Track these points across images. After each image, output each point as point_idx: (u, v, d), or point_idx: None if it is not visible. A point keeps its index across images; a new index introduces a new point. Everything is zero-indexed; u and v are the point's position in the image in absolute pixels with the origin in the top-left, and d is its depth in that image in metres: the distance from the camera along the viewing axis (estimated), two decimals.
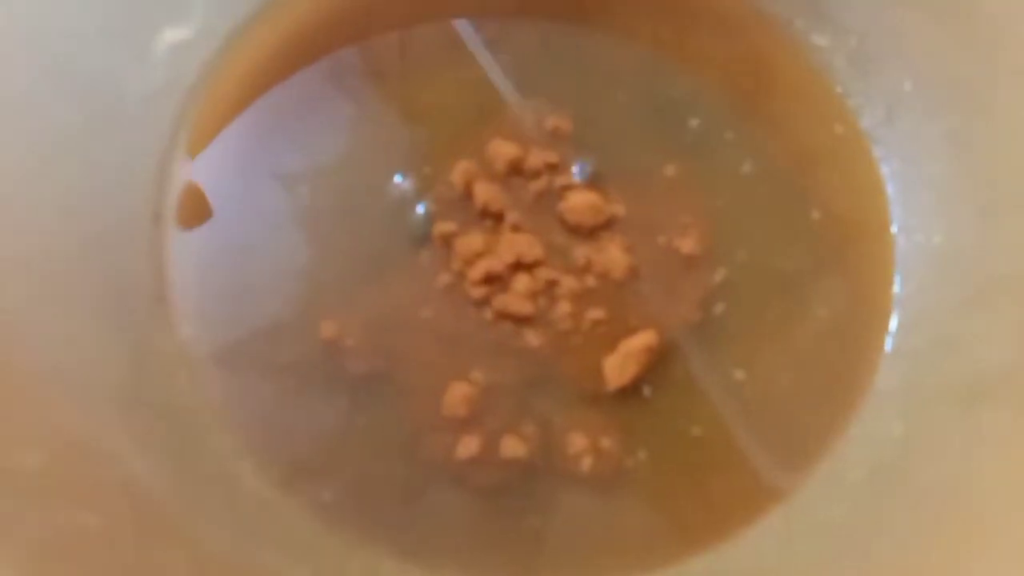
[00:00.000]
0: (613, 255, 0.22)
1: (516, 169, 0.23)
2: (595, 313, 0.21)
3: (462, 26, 0.24)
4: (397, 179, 0.22)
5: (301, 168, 0.22)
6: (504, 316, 0.21)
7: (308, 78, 0.23)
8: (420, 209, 0.22)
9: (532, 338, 0.21)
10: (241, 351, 0.21)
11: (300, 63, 0.23)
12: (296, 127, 0.23)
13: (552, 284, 0.22)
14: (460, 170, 0.22)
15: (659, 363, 0.21)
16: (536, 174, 0.23)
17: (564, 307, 0.21)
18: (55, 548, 0.12)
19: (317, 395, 0.21)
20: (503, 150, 0.23)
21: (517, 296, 0.21)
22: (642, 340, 0.21)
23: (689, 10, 0.24)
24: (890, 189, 0.24)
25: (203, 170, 0.22)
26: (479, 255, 0.22)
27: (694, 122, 0.23)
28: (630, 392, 0.21)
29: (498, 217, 0.22)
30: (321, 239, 0.22)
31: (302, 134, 0.23)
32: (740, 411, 0.21)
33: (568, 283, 0.22)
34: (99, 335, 0.17)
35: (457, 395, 0.21)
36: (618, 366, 0.21)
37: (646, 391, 0.21)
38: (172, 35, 0.21)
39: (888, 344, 0.23)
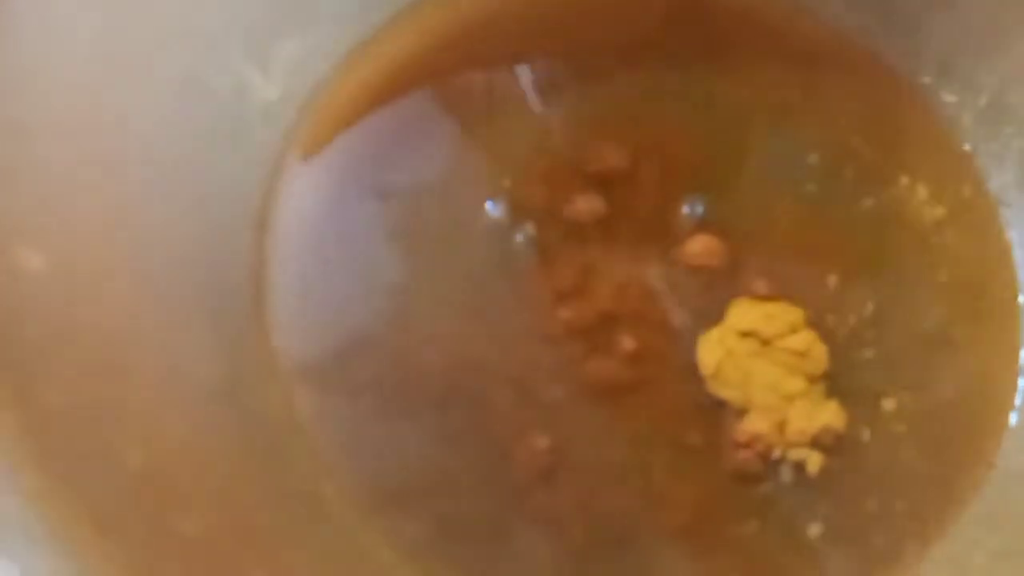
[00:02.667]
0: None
1: (623, 204, 0.22)
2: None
3: (576, 60, 0.24)
4: (489, 206, 0.21)
5: (400, 188, 0.22)
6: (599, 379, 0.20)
7: (415, 100, 0.23)
8: (517, 237, 0.21)
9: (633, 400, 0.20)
10: (330, 367, 0.20)
11: (411, 85, 0.23)
12: (399, 147, 0.22)
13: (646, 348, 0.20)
14: (561, 200, 0.21)
15: None
16: (644, 212, 0.22)
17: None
18: (155, 551, 0.11)
19: (403, 420, 0.20)
20: (610, 183, 0.22)
21: (616, 361, 0.20)
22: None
23: (816, 62, 0.23)
24: (1018, 255, 0.22)
25: (307, 182, 0.21)
26: (574, 294, 0.21)
27: (815, 171, 0.22)
28: None
29: (599, 255, 0.21)
30: (414, 260, 0.21)
31: (404, 155, 0.22)
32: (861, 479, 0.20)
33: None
34: (199, 340, 0.17)
35: (542, 443, 0.20)
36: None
37: None
38: (292, 47, 0.21)
39: (1013, 419, 0.21)
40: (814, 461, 0.20)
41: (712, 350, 0.20)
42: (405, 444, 0.19)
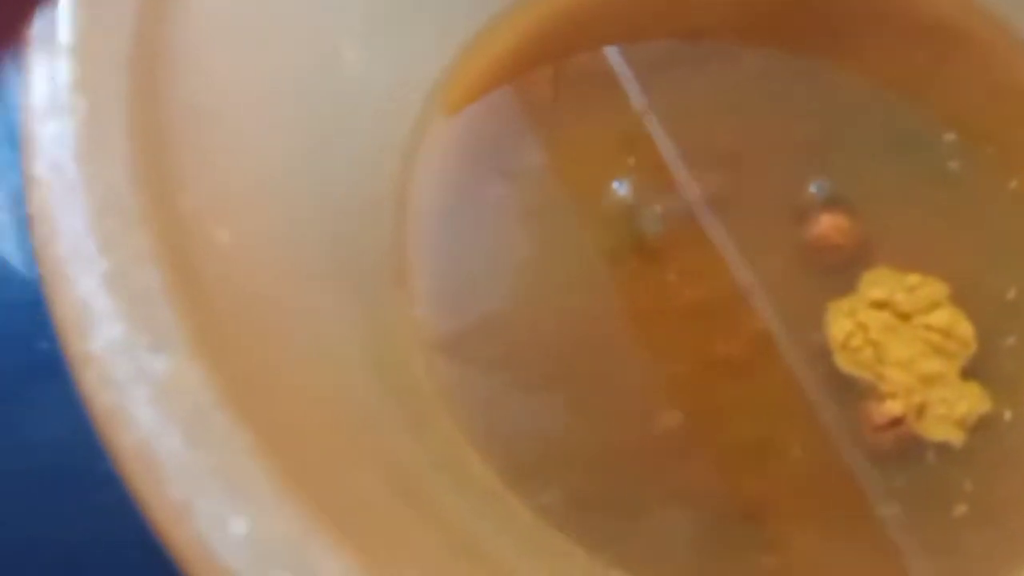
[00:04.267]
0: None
1: (749, 183, 0.22)
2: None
3: (698, 41, 0.24)
4: (616, 185, 0.21)
5: (528, 168, 0.22)
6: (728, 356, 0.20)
7: (541, 81, 0.23)
8: (643, 218, 0.21)
9: (762, 377, 0.20)
10: (467, 341, 0.20)
11: (536, 66, 0.23)
12: (526, 128, 0.22)
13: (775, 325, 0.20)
14: (685, 180, 0.21)
15: None
16: (770, 191, 0.22)
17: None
18: (347, 506, 0.11)
19: (537, 394, 0.20)
20: (736, 162, 0.22)
21: (744, 337, 0.20)
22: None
23: (944, 37, 0.23)
24: None
25: (440, 163, 0.22)
26: (700, 272, 0.21)
27: (950, 145, 0.22)
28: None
29: (726, 233, 0.21)
30: (544, 238, 0.21)
31: (531, 135, 0.22)
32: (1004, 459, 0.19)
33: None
34: (345, 313, 0.17)
35: (674, 419, 0.20)
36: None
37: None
38: (423, 30, 0.21)
39: None
40: (956, 441, 0.19)
41: (841, 321, 0.20)
42: (540, 417, 0.20)
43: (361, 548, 0.10)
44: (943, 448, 0.19)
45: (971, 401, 0.19)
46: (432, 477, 0.16)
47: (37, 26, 0.13)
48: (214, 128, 0.14)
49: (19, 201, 0.24)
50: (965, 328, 0.20)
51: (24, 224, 0.24)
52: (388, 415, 0.17)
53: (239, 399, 0.11)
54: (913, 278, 0.20)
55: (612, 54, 0.23)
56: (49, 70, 0.13)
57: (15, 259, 0.25)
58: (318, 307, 0.17)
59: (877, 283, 0.20)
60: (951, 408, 0.19)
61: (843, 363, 0.20)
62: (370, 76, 0.20)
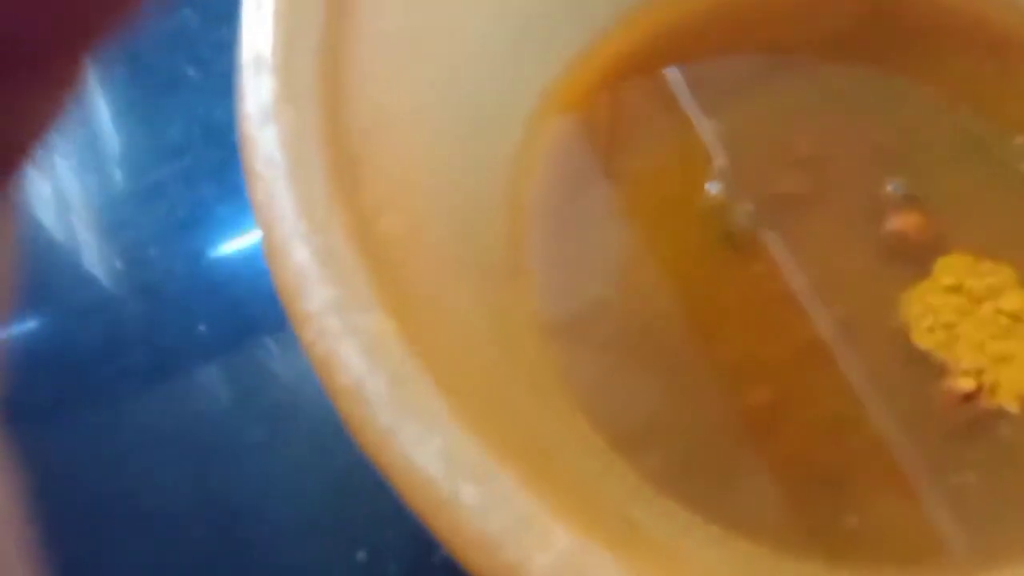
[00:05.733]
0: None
1: (830, 183, 0.24)
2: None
3: (780, 54, 0.26)
4: (710, 186, 0.24)
5: (630, 170, 0.24)
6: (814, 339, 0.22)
7: (641, 90, 0.25)
8: (735, 214, 0.23)
9: (846, 358, 0.22)
10: (577, 327, 0.22)
11: (637, 75, 0.25)
12: (628, 132, 0.25)
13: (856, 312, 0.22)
14: (773, 180, 0.24)
15: None
16: (850, 191, 0.24)
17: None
18: (507, 434, 0.13)
19: (641, 373, 0.22)
20: (818, 165, 0.24)
21: (827, 323, 0.22)
22: None
23: (1011, 49, 0.25)
24: None
25: (550, 166, 0.24)
26: (782, 267, 0.23)
27: (1019, 150, 0.24)
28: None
29: (809, 229, 0.23)
30: (645, 235, 0.24)
31: (633, 139, 0.25)
32: None
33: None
34: (475, 299, 0.19)
35: (765, 396, 0.22)
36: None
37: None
38: (532, 47, 0.24)
39: None
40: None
41: (916, 304, 0.22)
42: (642, 393, 0.22)
43: (519, 459, 0.13)
44: (1016, 421, 0.21)
45: None
46: (552, 437, 0.18)
47: (246, 51, 0.16)
48: (382, 135, 0.17)
49: (105, 224, 0.26)
50: None
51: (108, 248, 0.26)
52: (515, 385, 0.19)
53: (423, 351, 0.13)
54: (985, 265, 0.22)
55: (702, 67, 0.26)
56: (257, 85, 0.15)
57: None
58: (458, 292, 0.19)
59: (950, 269, 0.22)
60: (1022, 385, 0.21)
61: (920, 342, 0.22)
62: (492, 85, 0.23)
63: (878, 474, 0.21)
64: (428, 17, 0.20)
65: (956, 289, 0.22)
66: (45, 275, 0.27)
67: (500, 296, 0.22)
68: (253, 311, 0.24)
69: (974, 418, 0.21)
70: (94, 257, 0.27)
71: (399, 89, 0.18)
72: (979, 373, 0.21)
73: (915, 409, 0.22)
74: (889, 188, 0.23)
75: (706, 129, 0.25)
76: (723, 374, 0.22)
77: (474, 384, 0.15)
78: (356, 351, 0.13)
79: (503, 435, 0.14)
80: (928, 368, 0.22)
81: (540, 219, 0.24)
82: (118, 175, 0.28)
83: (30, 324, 0.26)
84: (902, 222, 0.23)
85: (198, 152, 0.28)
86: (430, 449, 0.12)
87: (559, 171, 0.24)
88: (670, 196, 0.24)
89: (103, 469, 0.24)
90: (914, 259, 0.23)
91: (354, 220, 0.15)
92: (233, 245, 0.26)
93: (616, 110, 0.25)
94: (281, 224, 0.14)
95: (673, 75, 0.26)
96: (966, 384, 0.21)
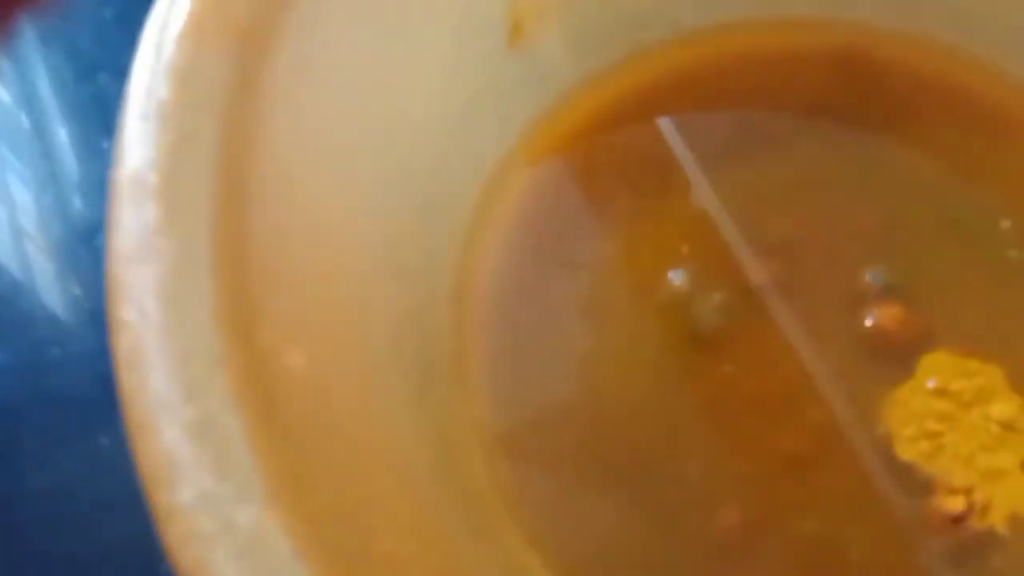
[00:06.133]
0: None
1: (804, 272, 0.22)
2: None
3: (752, 124, 0.24)
4: (672, 275, 0.22)
5: (586, 258, 0.22)
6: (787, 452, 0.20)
7: (595, 171, 0.23)
8: (700, 309, 0.21)
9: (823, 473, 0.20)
10: (529, 438, 0.20)
11: (589, 156, 0.23)
12: (584, 218, 0.23)
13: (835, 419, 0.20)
14: (740, 269, 0.22)
15: None
16: (825, 280, 0.22)
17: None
18: None
19: (600, 491, 0.20)
20: (790, 250, 0.22)
21: (803, 432, 0.20)
22: None
23: (1000, 123, 0.23)
24: None
25: (498, 256, 0.22)
26: (758, 366, 0.21)
27: (1007, 232, 0.22)
28: None
29: (782, 324, 0.21)
30: (603, 331, 0.22)
31: (589, 225, 0.23)
32: None
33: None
34: (409, 415, 0.17)
35: (734, 517, 0.20)
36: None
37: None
38: (481, 127, 0.22)
39: None
40: (1020, 543, 0.19)
41: (899, 411, 0.20)
42: (601, 515, 0.20)
43: None
44: (1009, 548, 0.19)
45: None
46: None
47: (123, 169, 0.13)
48: (291, 250, 0.15)
49: (63, 250, 0.25)
50: None
51: (65, 276, 0.26)
52: (454, 521, 0.17)
53: (318, 544, 0.11)
54: (973, 364, 0.20)
55: (668, 137, 0.24)
56: (136, 213, 0.13)
57: (58, 309, 0.26)
58: (383, 416, 0.17)
59: (935, 369, 0.20)
60: (1018, 505, 0.19)
61: (903, 454, 0.20)
62: (431, 167, 0.21)
63: None
64: (354, 107, 0.18)
65: (941, 392, 0.20)
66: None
67: (441, 408, 0.20)
68: None
69: (964, 543, 0.19)
70: (50, 283, 0.27)
71: (318, 194, 0.16)
72: (969, 491, 0.19)
73: (900, 531, 0.20)
74: (868, 278, 0.21)
75: (670, 210, 0.23)
76: (689, 492, 0.20)
77: (397, 554, 0.13)
78: (231, 557, 0.11)
79: None
80: (914, 483, 0.20)
81: (489, 315, 0.22)
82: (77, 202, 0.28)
83: None
84: (883, 316, 0.21)
85: None
86: None
87: (512, 260, 0.22)
88: (631, 287, 0.22)
89: None
90: (896, 357, 0.21)
91: (246, 369, 0.12)
92: None
93: (574, 190, 0.23)
94: (148, 391, 0.12)
95: (636, 150, 0.24)
96: (954, 504, 0.19)
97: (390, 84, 0.20)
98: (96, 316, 0.24)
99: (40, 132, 0.29)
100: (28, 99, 0.30)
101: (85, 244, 0.27)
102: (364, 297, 0.18)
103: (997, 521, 0.19)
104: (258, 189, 0.15)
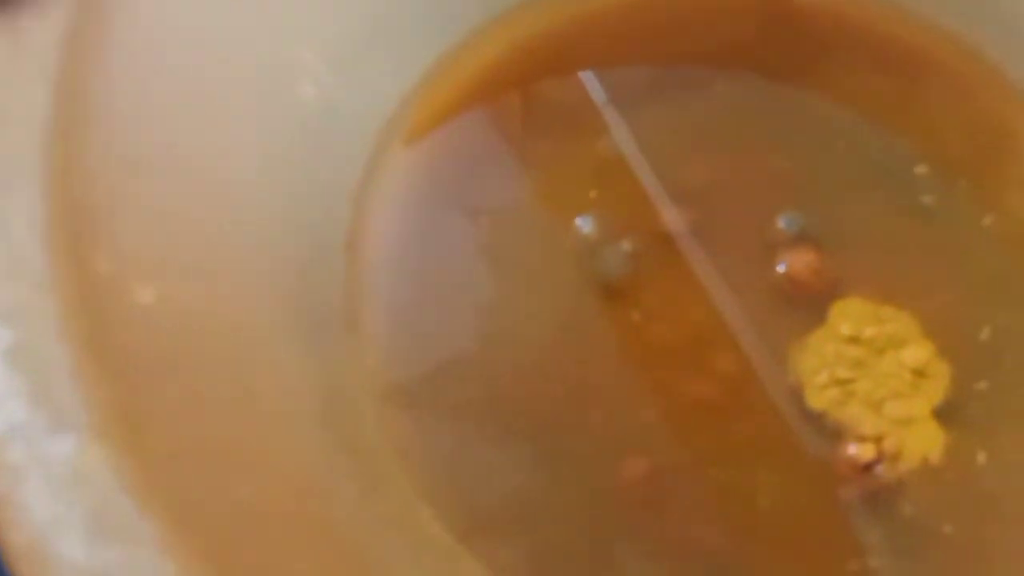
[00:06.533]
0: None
1: (715, 218, 0.21)
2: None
3: (667, 69, 0.23)
4: (579, 222, 0.21)
5: (488, 205, 0.21)
6: (695, 400, 0.20)
7: (501, 114, 0.22)
8: (609, 256, 0.21)
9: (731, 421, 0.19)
10: (424, 390, 0.19)
11: (495, 98, 0.22)
12: (486, 162, 0.22)
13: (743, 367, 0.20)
14: (650, 215, 0.21)
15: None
16: (737, 227, 0.21)
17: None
18: None
19: (498, 443, 0.19)
20: (702, 196, 0.21)
21: (712, 380, 0.19)
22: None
23: (916, 68, 0.22)
24: None
25: (396, 201, 0.21)
26: (666, 312, 0.20)
27: (922, 178, 0.21)
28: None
29: (691, 271, 0.20)
30: (506, 279, 0.21)
31: (492, 170, 0.22)
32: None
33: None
34: (297, 367, 0.16)
35: (640, 467, 0.19)
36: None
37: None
38: (376, 61, 0.21)
39: None
40: (930, 487, 0.18)
41: (810, 356, 0.19)
42: (501, 468, 0.19)
43: None
44: (919, 495, 0.19)
45: (943, 444, 0.19)
46: (383, 544, 0.15)
47: None
48: (141, 181, 0.14)
49: None
50: (940, 369, 0.19)
51: None
52: (338, 475, 0.16)
53: (153, 484, 0.10)
54: (886, 310, 0.20)
55: (580, 81, 0.23)
56: None
57: None
58: (261, 362, 0.16)
59: (847, 316, 0.20)
60: (925, 451, 0.19)
61: (814, 403, 0.19)
62: (323, 107, 0.20)
63: (773, 558, 0.19)
64: (229, 38, 0.16)
65: (854, 339, 0.19)
66: None
67: (330, 357, 0.19)
68: None
69: (874, 490, 0.19)
70: None
71: (184, 129, 0.15)
72: (879, 439, 0.19)
73: (811, 479, 0.19)
74: (782, 224, 0.21)
75: (579, 156, 0.22)
76: (596, 442, 0.19)
77: (255, 509, 0.12)
78: (43, 491, 0.09)
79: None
80: (824, 431, 0.19)
81: (386, 263, 0.20)
82: None
83: None
84: (796, 262, 0.20)
85: None
86: None
87: (408, 205, 0.21)
88: (536, 234, 0.21)
89: None
90: (809, 304, 0.20)
91: (76, 297, 0.11)
92: None
93: (477, 134, 0.22)
94: None
95: (545, 93, 0.23)
96: (864, 452, 0.19)
97: (274, 14, 0.18)
98: None
99: None
100: None
101: None
102: (241, 244, 0.17)
103: (907, 468, 0.19)
104: (106, 109, 0.14)
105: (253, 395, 0.15)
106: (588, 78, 0.22)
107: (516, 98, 0.23)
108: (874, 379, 0.19)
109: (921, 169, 0.21)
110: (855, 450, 0.19)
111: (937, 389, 0.19)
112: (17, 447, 0.10)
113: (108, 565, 0.09)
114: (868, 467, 0.19)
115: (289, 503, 0.13)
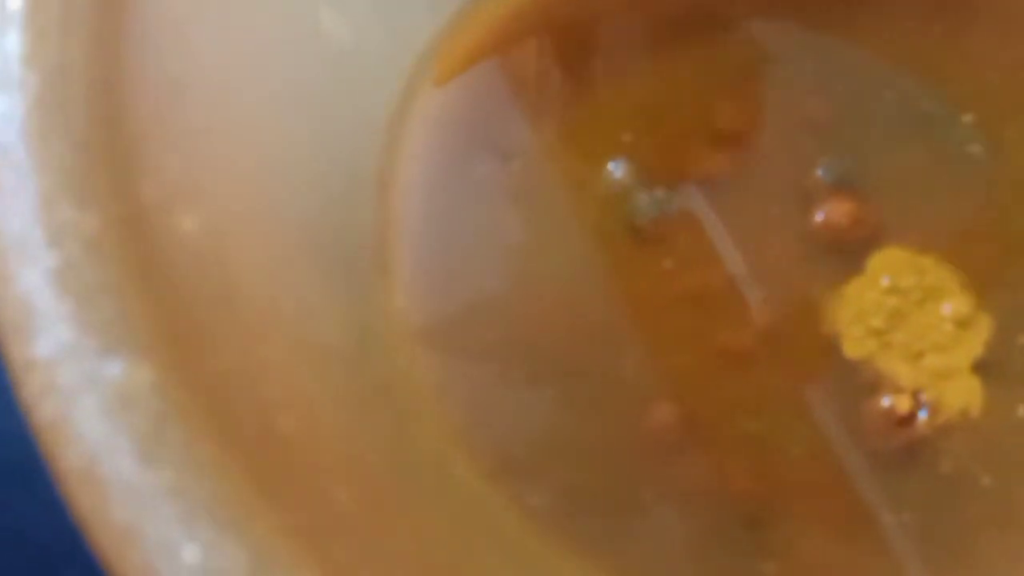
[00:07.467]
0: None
1: (752, 165, 0.21)
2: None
3: (702, 11, 0.22)
4: (612, 166, 0.20)
5: (520, 147, 0.21)
6: (729, 347, 0.19)
7: (534, 56, 0.22)
8: (641, 201, 0.20)
9: (765, 370, 0.19)
10: (455, 331, 0.19)
11: (528, 40, 0.22)
12: (518, 104, 0.21)
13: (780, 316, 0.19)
14: (686, 161, 0.20)
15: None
16: (775, 174, 0.20)
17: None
18: (321, 520, 0.10)
19: (528, 386, 0.19)
20: (738, 143, 0.21)
21: (746, 328, 0.19)
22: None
23: (962, 9, 0.22)
24: None
25: (428, 141, 0.20)
26: (702, 259, 0.20)
27: (968, 127, 0.21)
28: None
29: (728, 219, 0.20)
30: (538, 222, 0.20)
31: (524, 112, 0.21)
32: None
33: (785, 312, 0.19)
34: (328, 303, 0.16)
35: (671, 414, 0.19)
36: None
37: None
38: (410, 16, 0.20)
39: None
40: (970, 441, 0.18)
41: (847, 307, 0.19)
42: (531, 411, 0.19)
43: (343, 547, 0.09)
44: (956, 448, 0.18)
45: (983, 398, 0.19)
46: (413, 485, 0.15)
47: None
48: (184, 105, 0.13)
49: None
50: (983, 321, 0.19)
51: None
52: (369, 414, 0.16)
53: (201, 408, 0.10)
54: (926, 261, 0.19)
55: (617, 22, 0.22)
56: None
57: None
58: (296, 296, 0.16)
59: (886, 266, 0.19)
60: (964, 405, 0.18)
61: (850, 353, 0.19)
62: (353, 45, 0.19)
63: (801, 512, 0.18)
64: None
65: (892, 290, 0.19)
66: None
67: (361, 297, 0.18)
68: None
69: (911, 446, 0.18)
70: None
71: (225, 63, 0.14)
72: (916, 391, 0.19)
73: (846, 433, 0.19)
74: (820, 172, 0.20)
75: (612, 99, 0.21)
76: (625, 388, 0.19)
77: (294, 437, 0.12)
78: (94, 413, 0.09)
79: (318, 515, 0.10)
80: (860, 382, 0.19)
81: (415, 203, 0.20)
82: None
83: None
84: (834, 211, 0.20)
85: None
86: (186, 561, 0.09)
87: (439, 145, 0.21)
88: (567, 177, 0.20)
89: None
90: (847, 253, 0.20)
91: (123, 222, 0.11)
92: None
93: (508, 75, 0.21)
94: (4, 233, 0.10)
95: (577, 36, 0.22)
96: (901, 404, 0.18)
97: None
98: None
99: None
100: None
101: None
102: (277, 178, 0.17)
103: (945, 421, 0.18)
104: (151, 32, 0.13)
105: (290, 329, 0.14)
106: (624, 19, 0.22)
107: (550, 40, 0.22)
108: (913, 330, 0.19)
109: (968, 118, 0.20)
110: (892, 402, 0.18)
111: (977, 342, 0.19)
112: (67, 369, 0.09)
113: (159, 486, 0.09)
114: (905, 419, 0.18)
115: (330, 441, 0.13)
